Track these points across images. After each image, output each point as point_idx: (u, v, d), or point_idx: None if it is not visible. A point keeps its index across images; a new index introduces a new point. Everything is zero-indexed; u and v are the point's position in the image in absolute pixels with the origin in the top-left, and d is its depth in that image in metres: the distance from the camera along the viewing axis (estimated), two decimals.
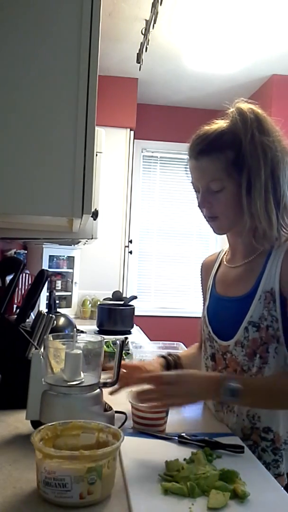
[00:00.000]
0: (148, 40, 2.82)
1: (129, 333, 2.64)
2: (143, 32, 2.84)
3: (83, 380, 1.04)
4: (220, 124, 1.22)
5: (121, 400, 1.31)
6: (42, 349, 1.10)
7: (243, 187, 1.16)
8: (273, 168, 1.16)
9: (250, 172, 1.15)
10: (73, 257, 3.45)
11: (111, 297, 3.11)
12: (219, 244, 4.29)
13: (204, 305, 1.36)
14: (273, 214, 1.15)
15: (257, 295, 1.16)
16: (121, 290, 3.49)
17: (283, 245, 1.17)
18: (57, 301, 3.11)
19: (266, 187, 1.15)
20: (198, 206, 1.24)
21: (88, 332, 2.22)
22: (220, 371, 1.23)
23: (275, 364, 1.14)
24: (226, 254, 1.36)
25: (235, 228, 1.24)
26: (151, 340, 2.35)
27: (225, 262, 1.33)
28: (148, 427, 1.11)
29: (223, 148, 1.17)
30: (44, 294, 2.81)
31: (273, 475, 1.03)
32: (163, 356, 1.41)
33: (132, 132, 3.83)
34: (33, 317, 1.31)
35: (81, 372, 1.05)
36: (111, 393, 1.20)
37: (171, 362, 1.38)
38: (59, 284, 3.39)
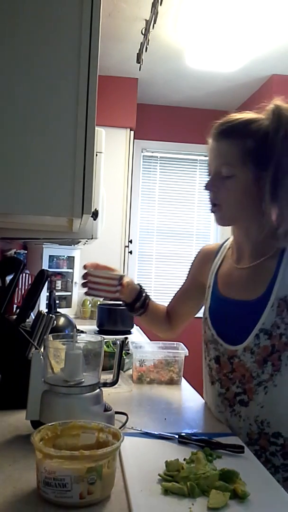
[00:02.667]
0: (148, 40, 2.82)
1: (129, 333, 2.63)
2: (143, 32, 2.84)
3: (83, 380, 1.04)
4: (251, 114, 1.19)
5: (121, 400, 1.31)
6: (42, 349, 1.10)
7: (267, 184, 1.12)
8: None
9: (278, 170, 1.11)
10: (73, 257, 3.45)
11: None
12: None
13: (204, 305, 1.33)
14: None
15: (270, 302, 1.13)
16: None
17: None
18: (57, 301, 3.10)
19: None
20: (205, 187, 1.21)
21: (88, 332, 2.22)
22: (226, 375, 1.21)
23: (287, 371, 1.13)
24: (230, 249, 1.32)
25: (240, 223, 1.22)
26: (151, 340, 2.35)
27: (230, 261, 1.29)
28: (100, 291, 1.30)
29: (244, 136, 1.14)
30: (44, 294, 2.80)
31: (282, 478, 1.03)
32: (140, 287, 1.46)
33: (132, 132, 3.83)
34: (33, 317, 1.31)
35: (81, 372, 1.05)
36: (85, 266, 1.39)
37: (141, 296, 1.45)
38: (59, 284, 3.38)
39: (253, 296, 1.17)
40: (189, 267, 1.48)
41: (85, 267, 1.40)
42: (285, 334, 1.12)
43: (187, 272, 1.48)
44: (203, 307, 1.34)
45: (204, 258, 1.39)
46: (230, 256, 1.30)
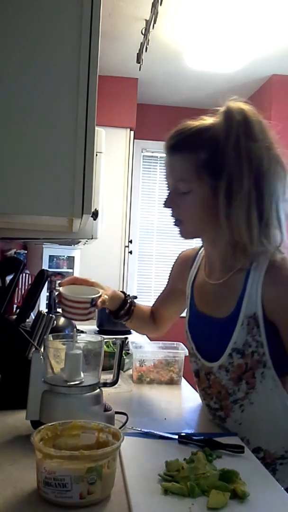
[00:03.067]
0: (148, 40, 2.82)
1: (129, 333, 2.63)
2: (143, 32, 2.84)
3: (83, 380, 1.04)
4: (204, 121, 1.13)
5: (121, 400, 1.31)
6: (42, 349, 1.10)
7: (221, 195, 1.06)
8: (258, 178, 1.05)
9: (232, 179, 1.05)
10: (73, 257, 3.44)
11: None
12: None
13: (186, 317, 1.29)
14: (255, 229, 1.05)
15: (240, 321, 1.09)
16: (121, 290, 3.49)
17: (261, 265, 1.09)
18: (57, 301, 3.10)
19: (249, 198, 1.04)
20: (164, 205, 1.16)
21: (88, 332, 2.22)
22: (204, 390, 1.21)
23: (262, 388, 1.11)
24: (204, 260, 1.27)
25: (206, 236, 1.18)
26: (151, 340, 2.35)
27: (203, 273, 1.24)
28: (72, 314, 1.23)
29: (196, 148, 1.09)
30: (44, 294, 2.80)
31: None
32: (124, 295, 1.42)
33: (132, 132, 3.83)
34: (33, 317, 1.31)
35: (81, 372, 1.05)
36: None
37: (126, 304, 1.40)
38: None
39: (223, 314, 1.13)
40: (168, 276, 1.47)
41: (60, 285, 1.28)
42: (256, 351, 1.08)
43: (168, 276, 1.47)
44: (185, 318, 1.30)
45: (183, 265, 1.37)
46: (203, 267, 1.26)
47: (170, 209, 1.16)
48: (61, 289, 1.23)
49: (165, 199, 1.16)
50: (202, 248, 1.31)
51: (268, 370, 1.10)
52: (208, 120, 1.13)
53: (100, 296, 1.24)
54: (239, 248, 1.09)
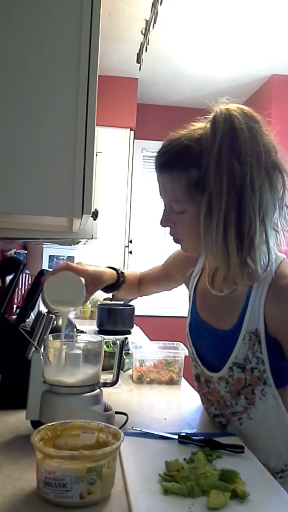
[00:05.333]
0: (148, 40, 2.82)
1: (129, 333, 2.63)
2: (143, 32, 2.84)
3: (83, 380, 1.04)
4: (193, 131, 1.05)
5: (121, 400, 1.31)
6: (42, 349, 1.10)
7: (202, 215, 1.00)
8: (240, 196, 0.95)
9: (211, 197, 0.97)
10: (73, 257, 3.44)
11: (111, 297, 3.10)
12: None
13: (187, 320, 1.26)
14: (232, 251, 0.97)
15: (241, 335, 1.06)
16: None
17: (264, 282, 1.04)
18: None
19: (226, 218, 0.96)
20: (160, 224, 1.11)
21: (88, 332, 2.22)
22: (204, 395, 1.21)
23: (262, 406, 1.08)
24: (207, 268, 1.22)
25: (206, 251, 1.09)
26: (151, 340, 2.35)
27: (206, 280, 1.20)
28: None
29: (186, 166, 1.01)
30: None
31: None
32: (113, 268, 1.38)
33: (132, 132, 3.83)
34: (33, 317, 1.31)
35: (81, 372, 1.05)
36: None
37: (120, 278, 1.38)
38: None
39: (226, 326, 1.10)
40: (170, 255, 1.45)
41: (52, 273, 1.19)
42: (257, 368, 1.06)
43: (167, 258, 1.46)
44: (186, 319, 1.27)
45: (186, 259, 1.31)
46: (206, 273, 1.21)
47: (168, 228, 1.12)
48: (45, 286, 1.13)
49: (161, 218, 1.11)
50: None
51: (269, 388, 1.07)
52: (198, 129, 1.05)
53: (82, 303, 1.16)
54: (224, 273, 1.04)
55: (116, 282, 1.37)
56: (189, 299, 1.27)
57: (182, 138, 1.04)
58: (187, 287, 1.31)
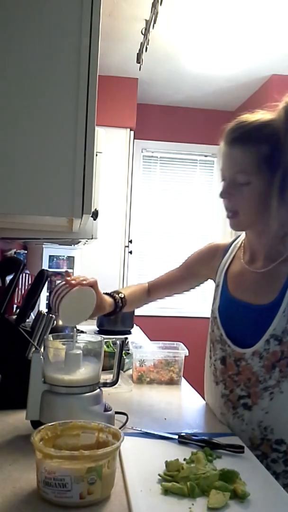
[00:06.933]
0: (148, 40, 2.82)
1: (129, 333, 2.63)
2: (143, 32, 2.84)
3: (83, 380, 1.04)
4: (264, 115, 1.16)
5: (121, 400, 1.31)
6: (42, 349, 1.10)
7: (275, 188, 1.10)
8: None
9: (286, 175, 1.09)
10: (73, 257, 3.44)
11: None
12: None
13: (212, 304, 1.30)
14: None
15: (282, 308, 1.11)
16: None
17: None
18: None
19: None
20: (220, 195, 1.18)
21: (88, 332, 2.22)
22: (230, 376, 1.20)
23: None
24: (241, 250, 1.30)
25: (255, 227, 1.20)
26: (151, 340, 2.35)
27: (242, 261, 1.27)
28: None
29: (259, 141, 1.12)
30: (44, 294, 2.80)
31: (282, 485, 1.03)
32: (111, 296, 1.32)
33: (132, 132, 3.83)
34: (33, 317, 1.31)
35: (81, 372, 1.05)
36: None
37: (118, 304, 1.32)
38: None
39: (264, 301, 1.15)
40: (189, 256, 1.46)
41: (76, 284, 1.14)
42: None
43: (184, 260, 1.46)
44: (212, 306, 1.30)
45: (212, 253, 1.37)
46: (242, 256, 1.28)
47: (225, 200, 1.18)
48: (64, 300, 1.10)
49: (221, 190, 1.18)
50: (237, 239, 1.34)
51: None
52: (266, 115, 1.15)
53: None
54: (287, 240, 1.14)
55: (115, 309, 1.33)
56: (219, 285, 1.29)
57: (253, 118, 1.15)
58: (214, 280, 1.35)
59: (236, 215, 1.17)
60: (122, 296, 1.35)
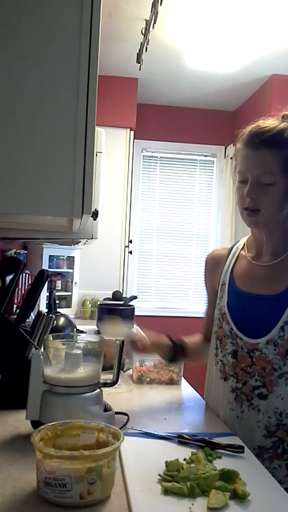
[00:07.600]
0: (148, 40, 2.82)
1: None
2: (143, 32, 2.84)
3: (83, 380, 1.04)
4: (276, 122, 1.23)
5: (121, 400, 1.31)
6: (42, 349, 1.10)
7: None
8: None
9: None
10: (73, 257, 3.45)
11: (111, 297, 3.10)
12: (219, 244, 4.29)
13: (219, 303, 1.32)
14: None
15: None
16: (121, 290, 3.49)
17: None
18: (57, 301, 3.10)
19: None
20: (245, 195, 1.21)
21: (88, 332, 2.22)
22: (243, 369, 1.22)
23: None
24: (245, 250, 1.35)
25: (269, 225, 1.26)
26: None
27: (248, 258, 1.32)
28: None
29: (285, 145, 1.19)
30: (44, 294, 2.80)
31: None
32: (172, 341, 1.39)
33: (132, 132, 3.82)
34: (33, 317, 1.31)
35: (81, 372, 1.05)
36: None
37: (178, 349, 1.38)
38: (59, 284, 3.38)
39: (275, 291, 1.21)
40: (204, 284, 1.47)
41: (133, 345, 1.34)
42: None
43: (206, 293, 1.47)
44: (218, 305, 1.32)
45: (213, 264, 1.41)
46: (246, 255, 1.34)
47: (249, 199, 1.21)
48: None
49: (246, 191, 1.21)
50: (239, 242, 1.40)
51: None
52: (276, 121, 1.24)
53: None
54: None
55: (175, 348, 1.39)
56: (225, 284, 1.32)
57: (274, 124, 1.23)
58: (219, 282, 1.38)
59: (257, 213, 1.22)
60: (182, 343, 1.41)
